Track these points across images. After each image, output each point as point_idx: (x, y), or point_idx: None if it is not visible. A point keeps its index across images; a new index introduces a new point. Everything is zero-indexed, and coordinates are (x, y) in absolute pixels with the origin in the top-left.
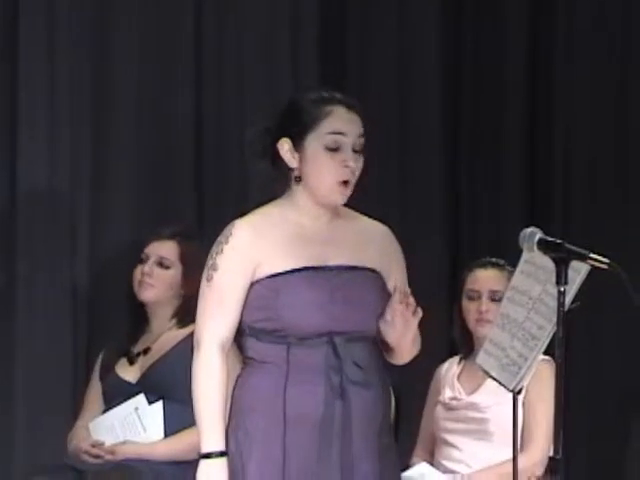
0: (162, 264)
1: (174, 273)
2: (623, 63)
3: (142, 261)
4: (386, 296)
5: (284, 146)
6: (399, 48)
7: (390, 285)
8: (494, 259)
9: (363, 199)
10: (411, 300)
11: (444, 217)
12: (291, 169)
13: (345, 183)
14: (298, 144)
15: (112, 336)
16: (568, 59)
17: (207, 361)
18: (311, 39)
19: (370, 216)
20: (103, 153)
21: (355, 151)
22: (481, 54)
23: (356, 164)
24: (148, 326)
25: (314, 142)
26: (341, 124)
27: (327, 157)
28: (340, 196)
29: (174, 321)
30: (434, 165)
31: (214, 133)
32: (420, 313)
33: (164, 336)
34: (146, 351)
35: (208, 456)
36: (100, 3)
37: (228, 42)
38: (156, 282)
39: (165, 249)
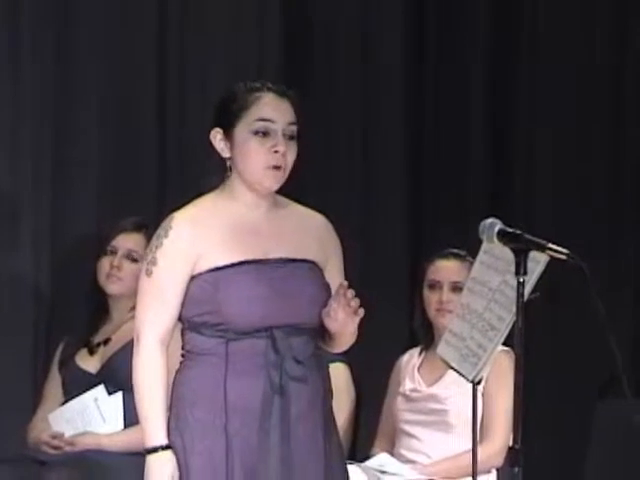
0: (131, 257)
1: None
2: (584, 64)
3: (108, 253)
4: (325, 287)
5: (216, 136)
6: (363, 47)
7: (326, 276)
8: (455, 250)
9: (326, 189)
10: (351, 295)
11: (405, 207)
12: (225, 159)
13: (276, 168)
14: (229, 133)
15: (72, 327)
16: (531, 60)
17: (147, 356)
18: (276, 38)
19: (310, 206)
20: (64, 147)
21: (287, 137)
22: (444, 52)
23: (287, 149)
24: (109, 316)
25: (243, 129)
26: (269, 111)
27: (256, 143)
28: (272, 180)
29: (134, 312)
30: (397, 159)
31: (177, 121)
32: (362, 313)
33: (124, 327)
34: (106, 341)
35: (154, 450)
36: None
37: (190, 42)
38: (125, 275)
39: (133, 242)
